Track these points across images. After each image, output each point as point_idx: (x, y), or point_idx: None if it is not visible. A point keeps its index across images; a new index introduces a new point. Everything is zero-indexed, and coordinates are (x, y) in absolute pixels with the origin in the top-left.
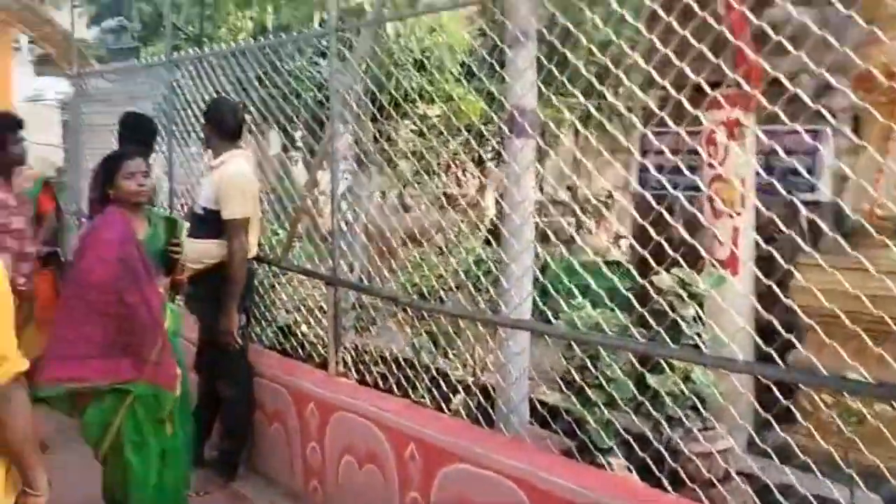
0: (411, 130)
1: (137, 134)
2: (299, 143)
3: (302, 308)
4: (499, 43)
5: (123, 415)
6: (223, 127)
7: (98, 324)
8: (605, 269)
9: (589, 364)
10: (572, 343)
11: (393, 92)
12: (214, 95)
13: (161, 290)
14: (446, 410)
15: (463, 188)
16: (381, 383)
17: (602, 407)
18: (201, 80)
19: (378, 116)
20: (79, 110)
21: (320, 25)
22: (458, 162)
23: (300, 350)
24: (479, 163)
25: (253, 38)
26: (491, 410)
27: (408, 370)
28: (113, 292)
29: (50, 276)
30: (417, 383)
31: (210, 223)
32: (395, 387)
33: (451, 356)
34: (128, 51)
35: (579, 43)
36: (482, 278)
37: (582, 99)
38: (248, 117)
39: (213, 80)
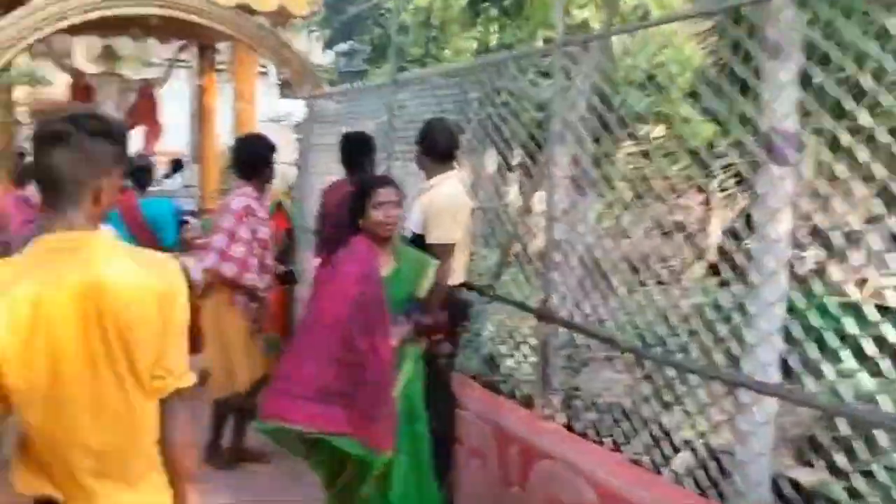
0: (633, 153)
1: (353, 153)
2: (515, 165)
3: (509, 340)
4: (747, 57)
5: (350, 471)
6: (436, 148)
7: (321, 366)
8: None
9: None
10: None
11: (617, 111)
12: (435, 116)
13: (396, 340)
14: (666, 472)
15: (687, 216)
16: (592, 432)
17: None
18: (422, 101)
19: (601, 137)
20: (309, 131)
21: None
22: (682, 187)
23: (505, 384)
24: (702, 189)
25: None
26: (721, 477)
27: (624, 421)
28: (343, 335)
29: (280, 293)
30: (635, 437)
31: (418, 248)
32: (608, 438)
33: (676, 411)
34: (357, 73)
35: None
36: (716, 325)
37: (866, 119)
38: (465, 138)
39: (434, 100)
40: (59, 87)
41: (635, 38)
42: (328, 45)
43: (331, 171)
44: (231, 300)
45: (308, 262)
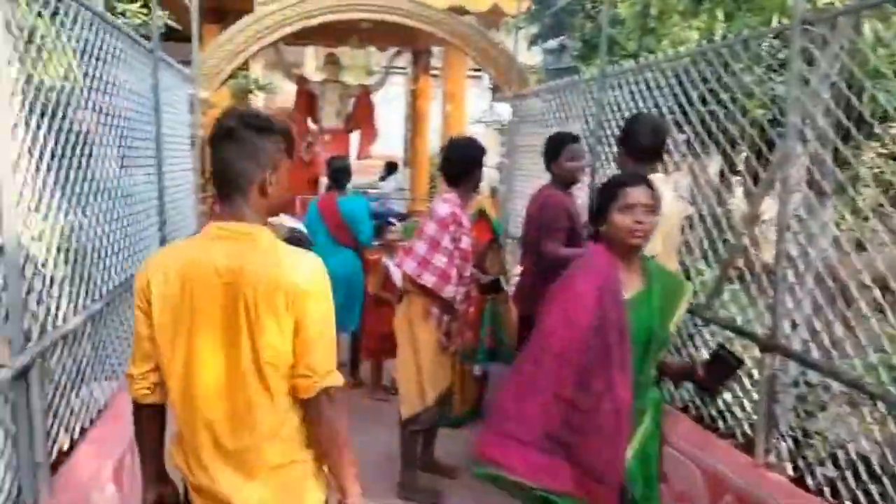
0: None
1: (553, 154)
2: (741, 168)
3: None
4: None
5: None
6: (637, 147)
7: (546, 406)
8: None
9: None
10: None
11: (868, 104)
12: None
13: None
14: None
15: None
16: (828, 491)
17: None
18: (633, 98)
19: (848, 133)
20: (515, 132)
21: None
22: None
23: (720, 420)
24: None
25: None
26: None
27: (874, 482)
28: (573, 368)
29: (479, 302)
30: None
31: None
32: (849, 502)
33: None
34: (566, 70)
35: None
36: None
37: None
38: (683, 137)
39: (648, 96)
40: (289, 95)
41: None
42: (533, 42)
43: (537, 173)
44: (426, 311)
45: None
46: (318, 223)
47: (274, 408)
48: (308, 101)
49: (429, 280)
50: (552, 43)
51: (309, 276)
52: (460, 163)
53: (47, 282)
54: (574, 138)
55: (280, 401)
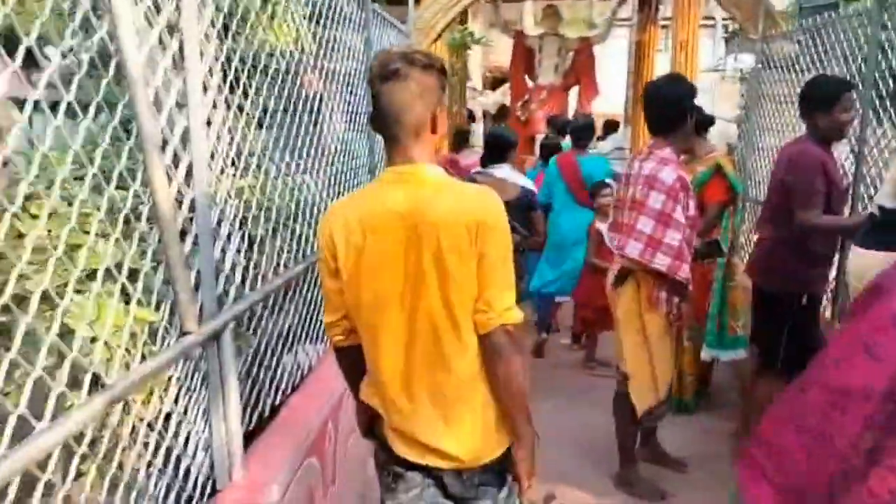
0: None
1: (818, 101)
2: None
3: None
4: None
5: None
6: None
7: (811, 450)
8: None
9: None
10: None
11: None
12: None
13: None
14: None
15: None
16: None
17: None
18: None
19: None
20: (758, 80)
21: None
22: None
23: None
24: None
25: None
26: None
27: None
28: (868, 422)
29: (702, 270)
30: None
31: (889, 228)
32: None
33: None
34: (825, 7)
35: None
36: None
37: None
38: None
39: None
40: (505, 51)
41: None
42: None
43: (784, 127)
44: (653, 296)
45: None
46: (558, 180)
47: (465, 348)
48: (525, 56)
49: (663, 262)
50: None
51: (488, 210)
52: (670, 107)
53: (244, 243)
54: (850, 85)
55: (471, 341)
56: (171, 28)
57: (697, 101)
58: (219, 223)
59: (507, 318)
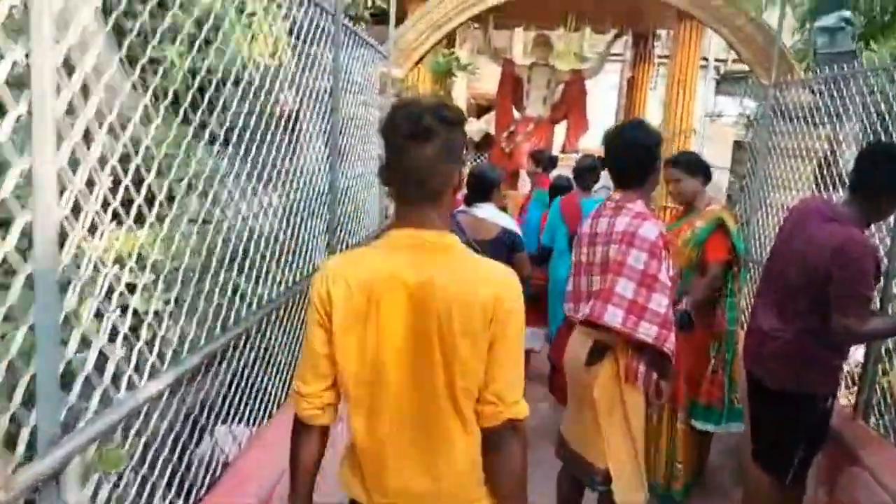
0: None
1: (879, 184)
2: None
3: None
4: None
5: None
6: None
7: None
8: None
9: None
10: None
11: None
12: None
13: None
14: None
15: None
16: None
17: None
18: None
19: None
20: (768, 130)
21: None
22: None
23: None
24: None
25: None
26: None
27: None
28: None
29: (695, 338)
30: None
31: None
32: None
33: None
34: (844, 55)
35: None
36: None
37: None
38: None
39: None
40: (493, 79)
41: None
42: (805, 20)
43: (799, 183)
44: (630, 368)
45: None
46: (560, 223)
47: (467, 436)
48: (513, 86)
49: (649, 332)
50: (829, 20)
51: (506, 290)
52: (639, 156)
53: (126, 322)
54: None
55: (473, 429)
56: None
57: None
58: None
59: (515, 412)
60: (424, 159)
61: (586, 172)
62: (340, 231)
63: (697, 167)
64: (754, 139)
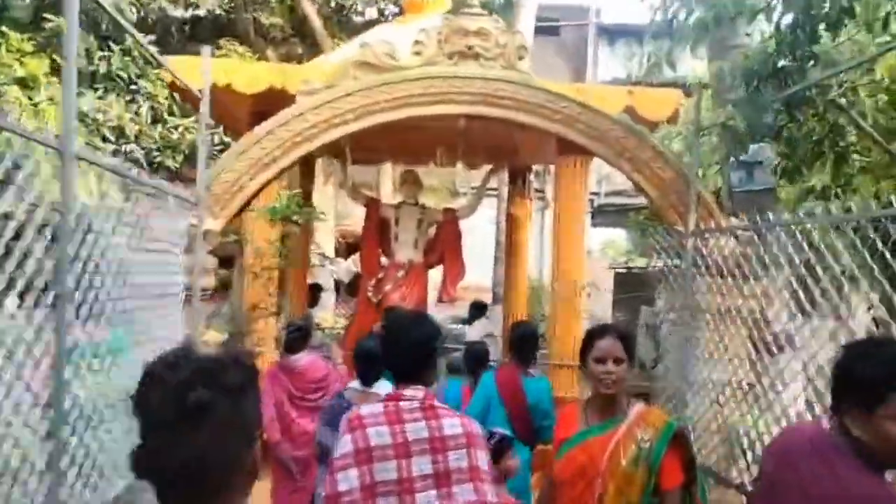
0: None
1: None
2: None
3: None
4: None
5: None
6: None
7: None
8: None
9: None
10: None
11: None
12: None
13: None
14: None
15: None
16: None
17: None
18: None
19: None
20: (691, 288)
21: None
22: None
23: None
24: None
25: None
26: None
27: None
28: None
29: None
30: None
31: None
32: None
33: None
34: (762, 193)
35: None
36: None
37: None
38: None
39: None
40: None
41: None
42: (727, 157)
43: (732, 353)
44: None
45: None
46: (498, 407)
47: None
48: (379, 227)
49: None
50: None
51: None
52: (418, 349)
53: None
54: None
55: None
56: None
57: None
58: None
59: None
60: (194, 446)
61: (525, 343)
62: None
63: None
64: (678, 300)
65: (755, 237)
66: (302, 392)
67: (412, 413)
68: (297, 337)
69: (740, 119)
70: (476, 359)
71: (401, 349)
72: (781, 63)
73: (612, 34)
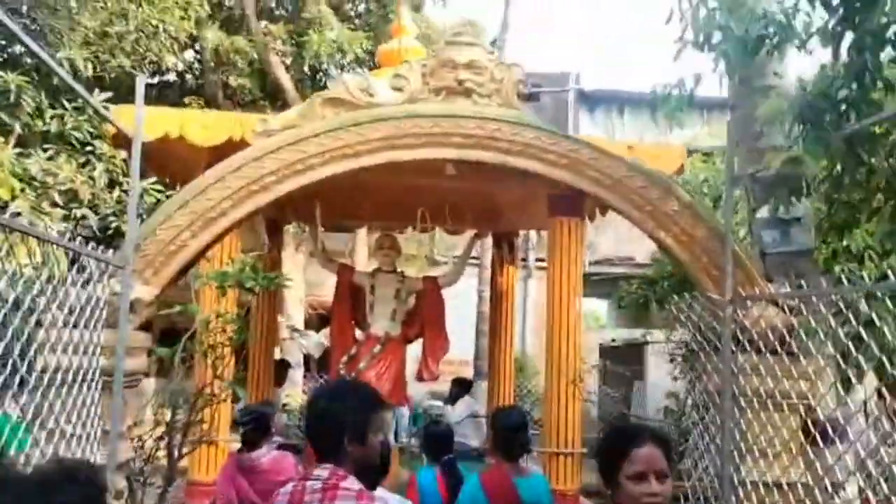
0: None
1: None
2: None
3: None
4: None
5: None
6: None
7: None
8: None
9: None
10: None
11: None
12: None
13: None
14: None
15: None
16: None
17: None
18: None
19: None
20: (730, 368)
21: None
22: None
23: None
24: None
25: None
26: None
27: None
28: None
29: None
30: None
31: None
32: None
33: None
34: (800, 255)
35: None
36: None
37: None
38: None
39: None
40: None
41: None
42: (755, 210)
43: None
44: None
45: None
46: None
47: None
48: (353, 297)
49: None
50: (782, 211)
51: None
52: (336, 425)
53: None
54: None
55: None
56: None
57: None
58: None
59: None
60: None
61: (516, 434)
62: None
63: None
64: (713, 384)
65: (801, 307)
66: (259, 498)
67: (313, 494)
68: (255, 428)
69: (793, 163)
70: (436, 441)
71: (318, 423)
72: (843, 93)
73: (592, 100)
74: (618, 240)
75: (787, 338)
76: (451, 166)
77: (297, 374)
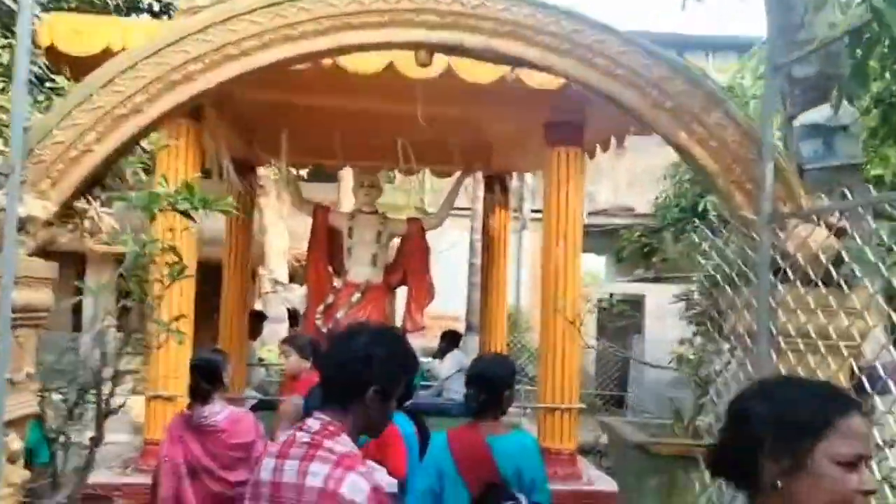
0: None
1: None
2: None
3: None
4: None
5: None
6: None
7: None
8: None
9: None
10: None
11: None
12: None
13: None
14: None
15: None
16: None
17: None
18: None
19: None
20: (767, 302)
21: None
22: None
23: None
24: None
25: None
26: None
27: None
28: None
29: None
30: None
31: None
32: None
33: None
34: (844, 170)
35: None
36: None
37: None
38: None
39: None
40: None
41: None
42: (791, 118)
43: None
44: None
45: None
46: (457, 487)
47: None
48: (328, 241)
49: None
50: (813, 115)
51: None
52: (353, 367)
53: None
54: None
55: None
56: None
57: None
58: None
59: None
60: None
61: (494, 384)
62: None
63: None
64: (726, 323)
65: (848, 229)
66: (214, 463)
67: (300, 448)
68: (201, 377)
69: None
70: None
71: (332, 364)
72: None
73: None
74: (616, 189)
75: (837, 265)
76: (425, 54)
77: (280, 328)
